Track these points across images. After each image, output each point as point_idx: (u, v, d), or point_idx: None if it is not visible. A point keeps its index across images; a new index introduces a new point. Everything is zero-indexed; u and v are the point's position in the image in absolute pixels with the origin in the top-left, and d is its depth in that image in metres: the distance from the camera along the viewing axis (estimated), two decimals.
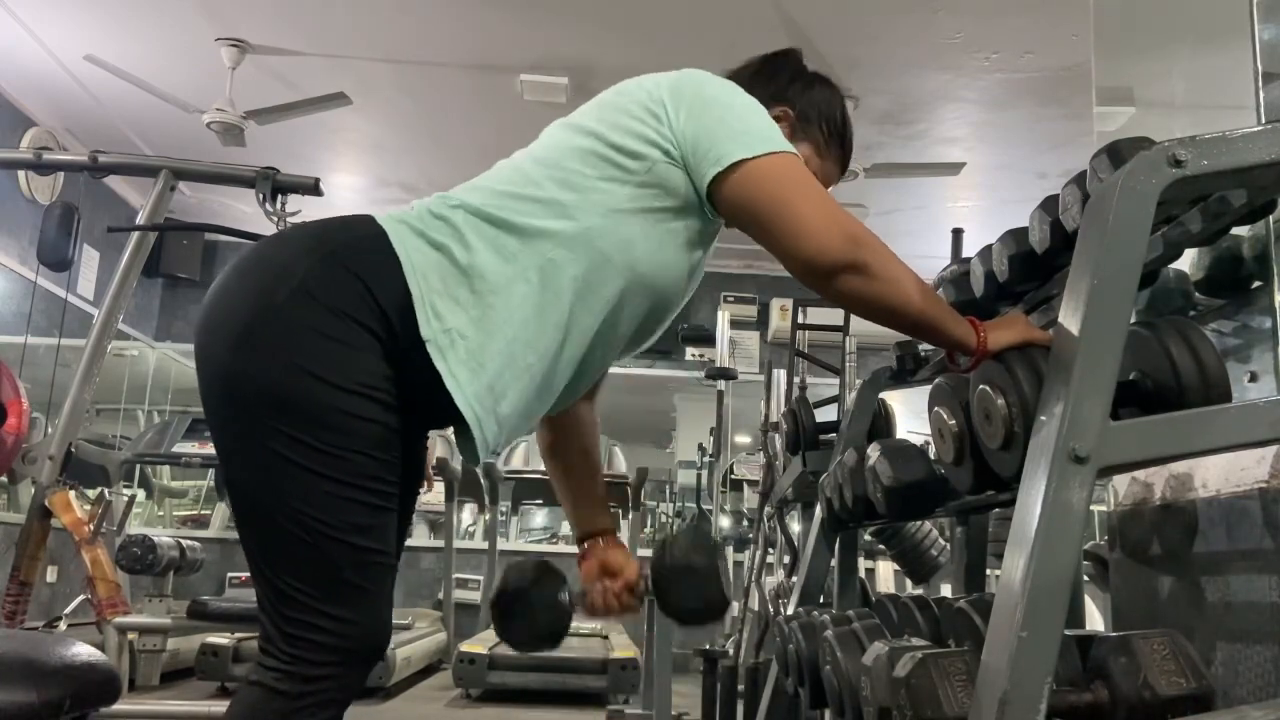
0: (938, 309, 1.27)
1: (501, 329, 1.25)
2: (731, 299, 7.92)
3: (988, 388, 1.21)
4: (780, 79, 1.47)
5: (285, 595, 1.20)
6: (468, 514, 8.04)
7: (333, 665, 1.20)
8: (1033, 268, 1.49)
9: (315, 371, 1.18)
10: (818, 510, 2.11)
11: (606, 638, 5.70)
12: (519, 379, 1.28)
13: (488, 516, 6.59)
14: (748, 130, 1.27)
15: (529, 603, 1.50)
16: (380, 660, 1.29)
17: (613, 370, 1.51)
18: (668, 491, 9.11)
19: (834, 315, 3.96)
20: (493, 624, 1.52)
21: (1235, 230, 1.37)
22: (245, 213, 6.25)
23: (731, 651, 3.84)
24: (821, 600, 2.14)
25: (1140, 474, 1.54)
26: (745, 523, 6.04)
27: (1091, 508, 1.05)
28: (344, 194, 6.99)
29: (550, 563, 1.56)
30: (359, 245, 1.25)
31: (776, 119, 1.37)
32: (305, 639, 1.19)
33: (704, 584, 1.50)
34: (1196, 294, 1.59)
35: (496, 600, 1.51)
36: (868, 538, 2.88)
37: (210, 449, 4.72)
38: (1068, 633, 1.03)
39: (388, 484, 1.23)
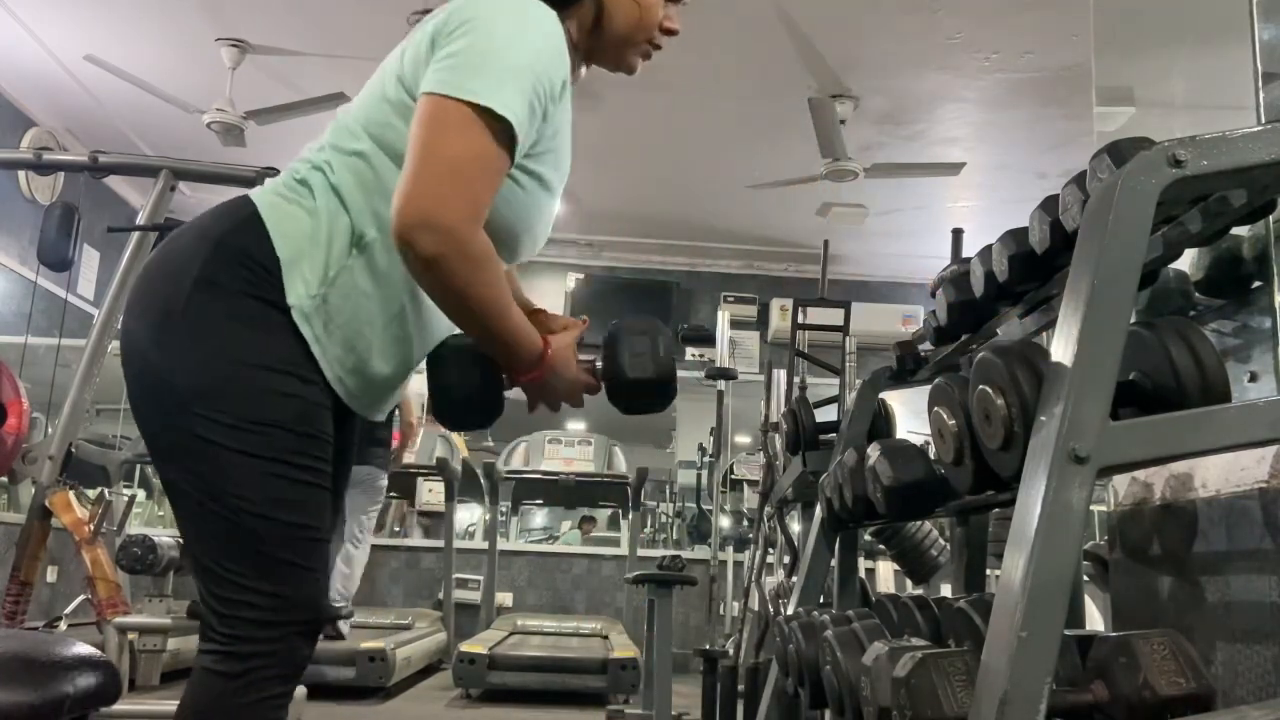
0: (513, 334, 1.28)
1: (350, 294, 1.28)
2: (731, 299, 7.93)
3: (988, 388, 1.21)
4: None
5: (216, 576, 1.22)
6: (467, 514, 8.04)
7: (269, 641, 1.21)
8: (1033, 268, 1.49)
9: (229, 353, 1.22)
10: (818, 510, 2.11)
11: (606, 638, 5.70)
12: (379, 336, 1.31)
13: (487, 516, 6.59)
14: (462, 66, 1.21)
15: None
16: (319, 633, 1.30)
17: None
18: (668, 491, 9.11)
19: (834, 315, 3.96)
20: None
21: (1235, 230, 1.37)
22: None
23: (731, 651, 3.84)
24: (821, 600, 2.14)
25: (1140, 474, 1.54)
26: (745, 523, 6.05)
27: (1091, 508, 1.05)
28: None
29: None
30: (243, 225, 1.28)
31: None
32: (238, 617, 1.21)
33: (651, 348, 1.39)
34: (1196, 294, 1.59)
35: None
36: (868, 538, 2.89)
37: None
38: (1068, 633, 1.03)
39: (312, 458, 1.24)
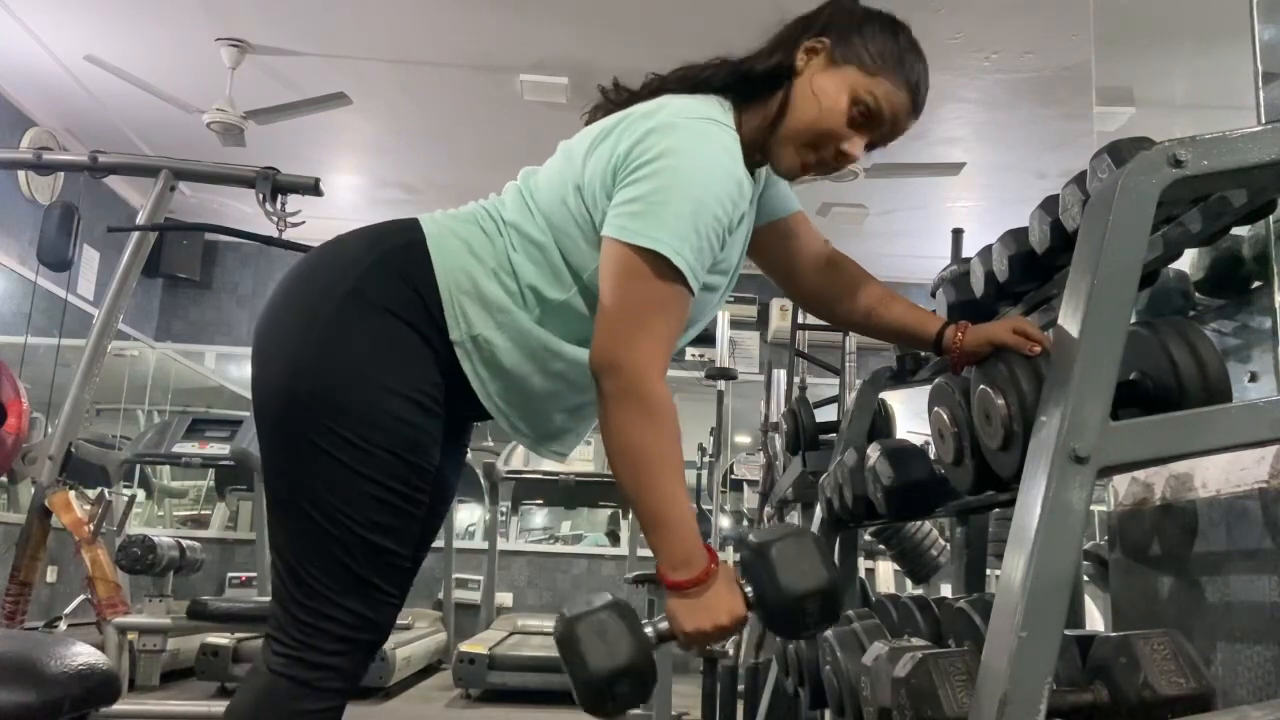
0: (668, 507, 1.18)
1: (522, 342, 1.30)
2: (731, 299, 7.92)
3: (988, 388, 1.21)
4: (822, 17, 1.36)
5: (304, 584, 1.24)
6: (466, 513, 8.04)
7: (339, 655, 1.24)
8: (1033, 268, 1.49)
9: (366, 372, 1.23)
10: (818, 510, 2.11)
11: None
12: (548, 381, 1.33)
13: (487, 516, 6.59)
14: (646, 213, 1.21)
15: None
16: (380, 655, 1.32)
17: None
18: None
19: None
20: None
21: (1235, 230, 1.37)
22: (245, 213, 6.26)
23: (731, 651, 3.83)
24: None
25: (1140, 474, 1.54)
26: (745, 523, 6.04)
27: (1091, 508, 1.05)
28: (344, 194, 6.98)
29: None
30: (408, 249, 1.29)
31: (811, 50, 1.32)
32: (319, 629, 1.23)
33: (805, 553, 1.20)
34: (1196, 294, 1.59)
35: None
36: (868, 538, 2.89)
37: (210, 449, 4.73)
38: (1068, 633, 1.03)
39: (414, 488, 1.26)
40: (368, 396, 1.22)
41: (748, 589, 1.20)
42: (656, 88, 1.34)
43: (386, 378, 1.23)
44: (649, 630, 1.18)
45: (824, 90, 1.31)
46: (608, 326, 1.21)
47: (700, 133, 1.24)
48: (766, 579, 1.18)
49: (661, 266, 1.19)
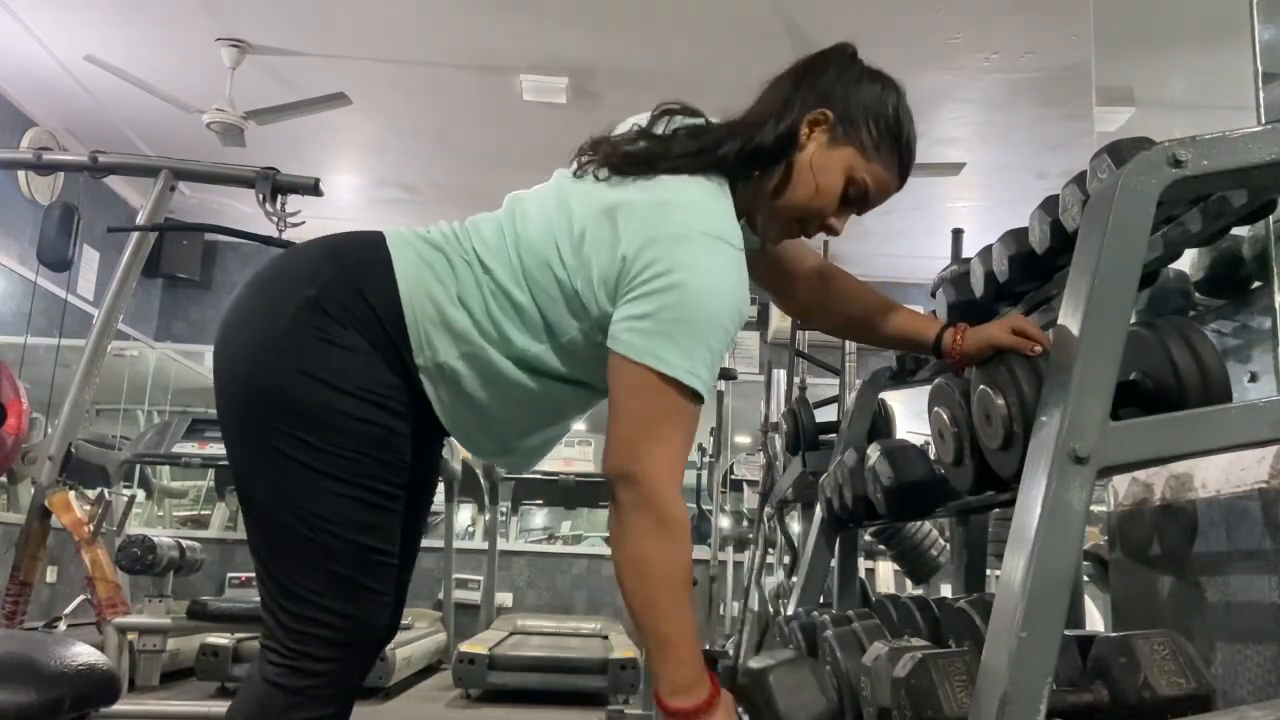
0: (673, 628, 1.16)
1: (487, 374, 1.29)
2: None
3: (988, 388, 1.21)
4: (824, 78, 1.34)
5: (289, 591, 1.23)
6: (467, 514, 8.04)
7: (334, 660, 1.24)
8: (1033, 268, 1.49)
9: (322, 377, 1.22)
10: (818, 510, 2.11)
11: (606, 638, 5.70)
12: (509, 410, 1.33)
13: (487, 517, 6.59)
14: (657, 333, 1.20)
15: None
16: (380, 655, 1.32)
17: None
18: None
19: None
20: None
21: (1235, 230, 1.37)
22: (245, 213, 6.25)
23: (731, 651, 3.83)
24: (821, 600, 2.14)
25: (1140, 474, 1.54)
26: (745, 523, 6.04)
27: (1092, 507, 1.05)
28: (344, 194, 6.98)
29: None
30: (369, 265, 1.28)
31: (815, 123, 1.30)
32: (309, 634, 1.23)
33: (807, 683, 1.22)
34: (1196, 294, 1.59)
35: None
36: (868, 538, 2.89)
37: (210, 449, 4.73)
38: (1068, 633, 1.03)
39: (391, 484, 1.26)
40: (328, 401, 1.21)
41: (744, 717, 1.19)
42: (659, 155, 1.29)
43: (343, 380, 1.22)
44: None
45: (823, 170, 1.31)
46: (622, 437, 1.20)
47: (711, 249, 1.22)
48: (765, 708, 1.17)
49: (674, 384, 1.19)
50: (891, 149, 1.33)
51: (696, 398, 1.20)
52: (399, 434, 1.26)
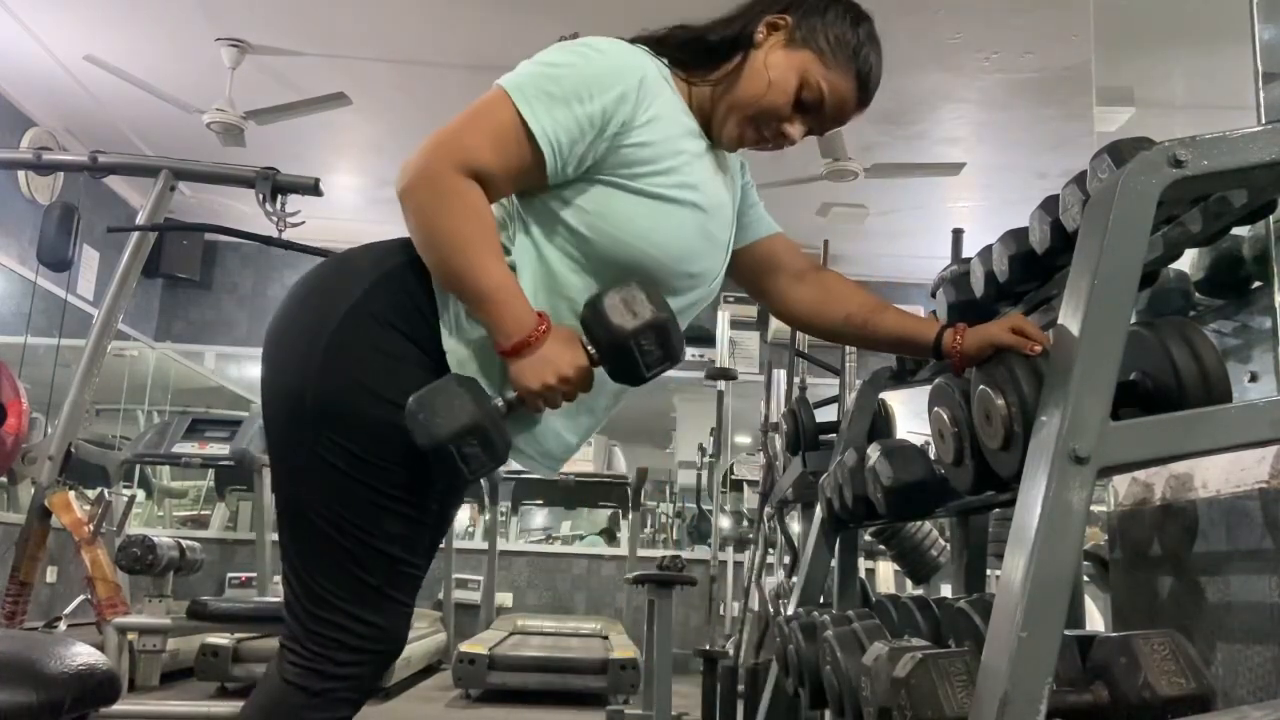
0: (484, 279, 1.20)
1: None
2: (731, 299, 7.91)
3: (988, 388, 1.21)
4: None
5: (316, 596, 1.24)
6: (466, 514, 8.04)
7: (354, 665, 1.25)
8: (1033, 268, 1.49)
9: (370, 386, 1.23)
10: (818, 510, 2.11)
11: (606, 638, 5.70)
12: None
13: (487, 517, 6.59)
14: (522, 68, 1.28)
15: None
16: (394, 663, 1.32)
17: None
18: (668, 491, 9.11)
19: None
20: None
21: (1235, 230, 1.37)
22: (245, 213, 6.25)
23: (731, 651, 3.84)
24: (821, 600, 2.14)
25: (1140, 474, 1.54)
26: (745, 523, 6.04)
27: (1092, 508, 1.05)
28: (344, 194, 6.98)
29: None
30: (411, 265, 1.28)
31: (772, 26, 1.33)
32: (331, 638, 1.24)
33: (633, 296, 1.23)
34: (1196, 294, 1.59)
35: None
36: (868, 538, 2.89)
37: (210, 449, 4.73)
38: (1068, 633, 1.03)
39: (421, 496, 1.26)
40: (373, 410, 1.22)
41: (588, 346, 1.25)
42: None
43: (391, 391, 1.22)
44: (498, 401, 1.23)
45: (776, 67, 1.32)
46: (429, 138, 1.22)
47: (608, 39, 1.30)
48: (600, 329, 1.23)
49: (501, 93, 1.23)
50: (849, 61, 1.34)
51: (523, 122, 1.21)
52: None
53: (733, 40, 1.34)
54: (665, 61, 1.34)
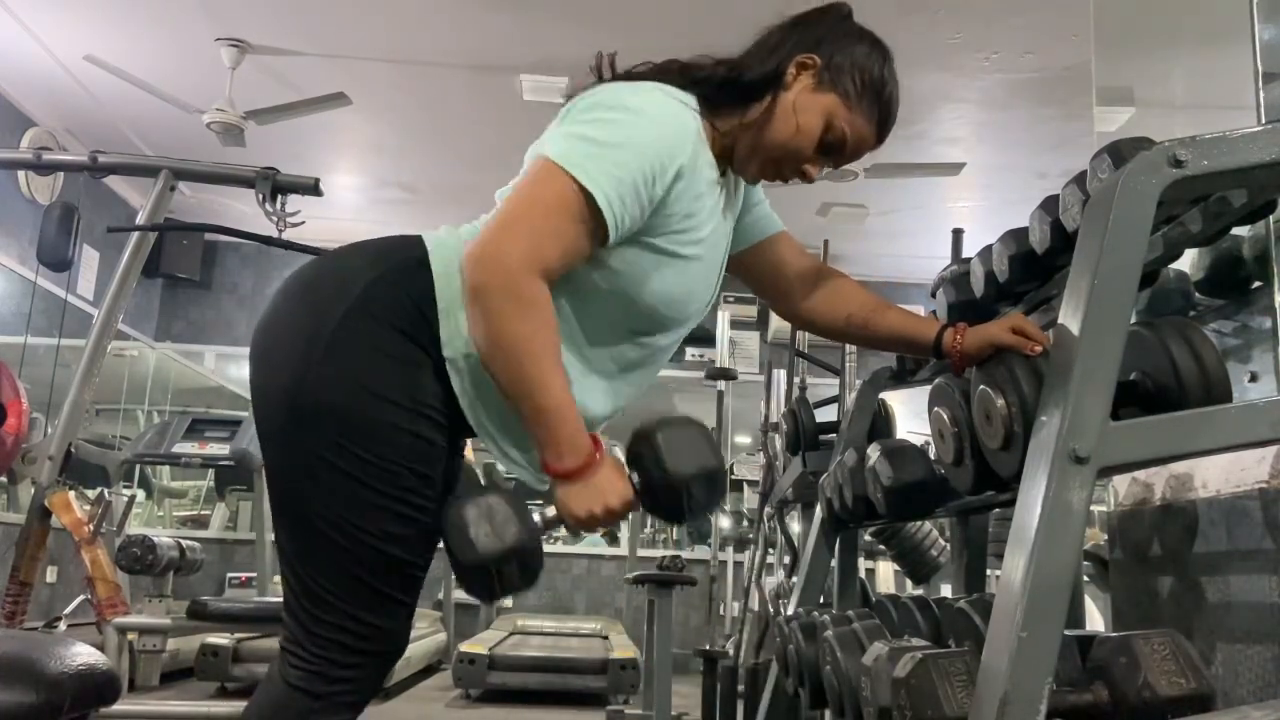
0: (547, 397, 1.17)
1: None
2: (731, 299, 7.92)
3: (988, 388, 1.21)
4: (818, 29, 1.36)
5: (318, 598, 1.23)
6: None
7: (356, 668, 1.24)
8: (1033, 268, 1.49)
9: (371, 387, 1.22)
10: (818, 510, 2.11)
11: (606, 638, 5.70)
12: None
13: None
14: (561, 134, 1.24)
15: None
16: (396, 663, 1.32)
17: None
18: None
19: None
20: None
21: (1235, 230, 1.37)
22: (245, 213, 6.25)
23: (731, 651, 3.84)
24: (821, 600, 2.14)
25: (1140, 474, 1.54)
26: (745, 523, 6.04)
27: (1092, 508, 1.05)
28: (344, 194, 6.98)
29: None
30: (410, 265, 1.28)
31: (802, 65, 1.32)
32: (334, 641, 1.23)
33: (690, 438, 1.23)
34: (1196, 294, 1.59)
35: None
36: (868, 538, 2.89)
37: (210, 449, 4.73)
38: (1068, 633, 1.03)
39: (425, 498, 1.25)
40: (374, 411, 1.21)
41: (633, 475, 1.24)
42: (630, 74, 1.33)
43: (393, 391, 1.22)
44: (536, 517, 1.22)
45: (805, 111, 1.32)
46: (492, 222, 1.19)
47: (639, 89, 1.27)
48: (652, 463, 1.21)
49: (565, 175, 1.18)
50: (873, 103, 1.35)
51: (589, 201, 1.18)
52: (439, 447, 1.26)
53: (766, 80, 1.33)
54: (693, 99, 1.31)
